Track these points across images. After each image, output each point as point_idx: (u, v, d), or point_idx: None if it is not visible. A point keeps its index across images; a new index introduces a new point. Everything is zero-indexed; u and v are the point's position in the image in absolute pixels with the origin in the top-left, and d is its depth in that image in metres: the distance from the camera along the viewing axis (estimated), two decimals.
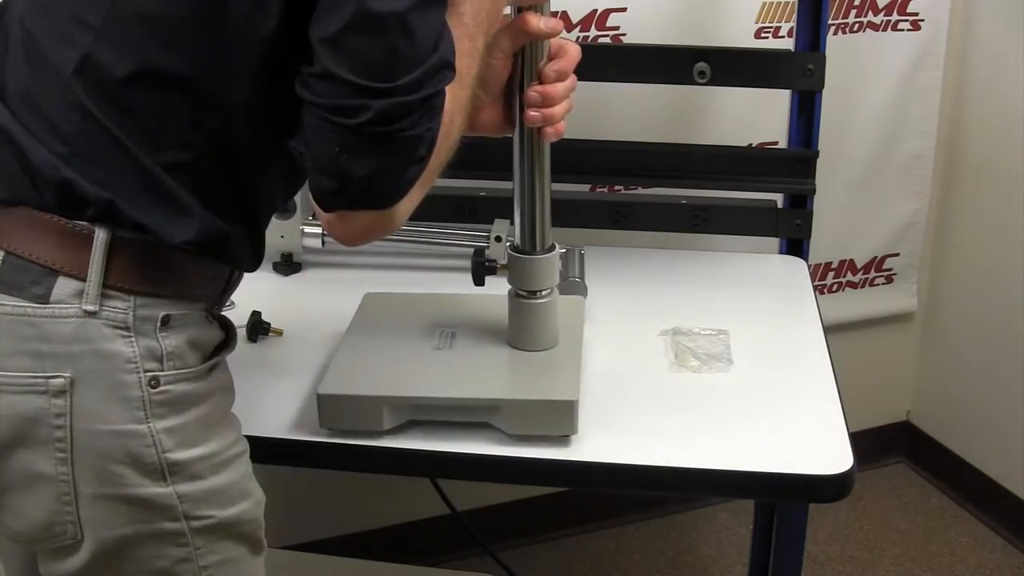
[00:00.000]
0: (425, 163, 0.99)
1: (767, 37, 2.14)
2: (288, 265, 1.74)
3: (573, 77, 1.23)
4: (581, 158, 1.78)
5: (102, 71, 0.97)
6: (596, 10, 2.03)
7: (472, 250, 1.69)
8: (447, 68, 0.98)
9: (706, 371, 1.42)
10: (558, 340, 1.34)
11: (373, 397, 1.24)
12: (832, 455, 1.23)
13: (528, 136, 1.25)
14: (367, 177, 0.96)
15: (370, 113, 0.93)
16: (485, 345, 1.34)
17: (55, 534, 1.02)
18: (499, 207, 1.78)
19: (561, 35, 1.22)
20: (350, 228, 1.03)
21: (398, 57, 0.93)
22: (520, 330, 1.33)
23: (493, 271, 1.37)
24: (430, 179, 1.03)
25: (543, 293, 1.31)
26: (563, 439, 1.24)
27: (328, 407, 1.24)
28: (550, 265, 1.31)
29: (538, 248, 1.30)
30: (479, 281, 1.38)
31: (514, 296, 1.33)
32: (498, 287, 1.37)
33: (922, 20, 2.29)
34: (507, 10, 1.16)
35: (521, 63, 1.21)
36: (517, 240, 1.31)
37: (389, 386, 1.26)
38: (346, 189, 0.97)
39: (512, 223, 1.68)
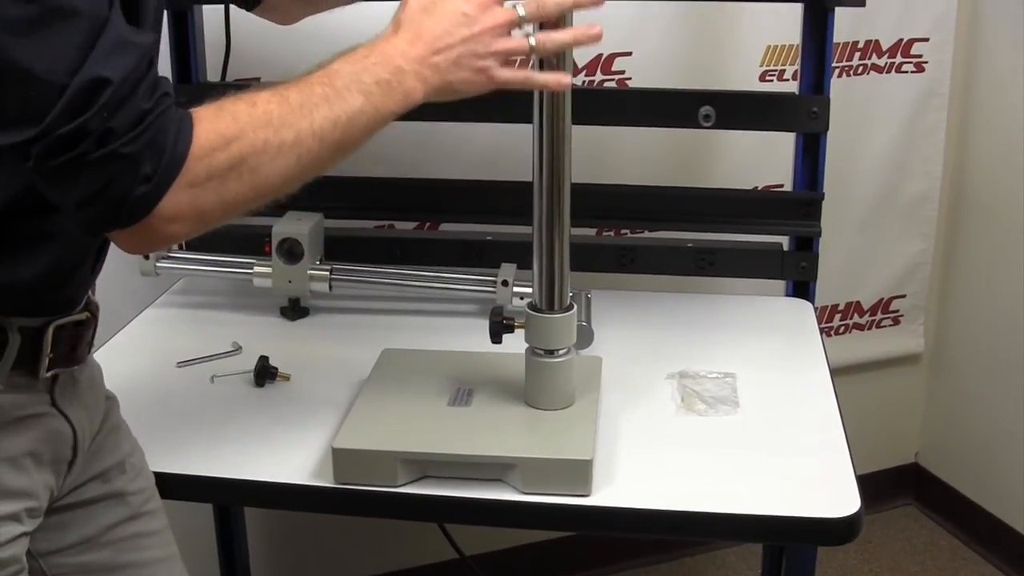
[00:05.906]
0: (154, 179, 0.91)
1: (771, 80, 2.16)
2: (295, 310, 1.74)
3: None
4: (587, 201, 1.77)
5: None
6: (601, 55, 2.04)
7: (479, 294, 1.71)
8: (104, 85, 0.87)
9: (713, 414, 1.41)
10: (574, 399, 1.34)
11: (387, 452, 1.24)
12: (839, 497, 1.23)
13: (548, 197, 1.25)
14: (84, 203, 0.91)
15: (36, 152, 0.88)
16: (502, 403, 1.34)
17: None
18: (506, 251, 1.78)
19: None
20: (122, 242, 0.97)
21: (28, 100, 0.86)
22: (536, 388, 1.33)
23: (511, 329, 1.36)
24: (222, 186, 0.96)
25: (560, 352, 1.32)
26: None
27: (343, 461, 1.24)
28: (568, 324, 1.31)
29: (556, 307, 1.30)
30: (497, 339, 1.37)
31: (531, 354, 1.33)
32: (516, 341, 1.36)
33: (926, 62, 2.31)
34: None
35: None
36: (535, 299, 1.31)
37: (404, 442, 1.26)
38: (79, 216, 0.92)
39: (519, 267, 1.72)
